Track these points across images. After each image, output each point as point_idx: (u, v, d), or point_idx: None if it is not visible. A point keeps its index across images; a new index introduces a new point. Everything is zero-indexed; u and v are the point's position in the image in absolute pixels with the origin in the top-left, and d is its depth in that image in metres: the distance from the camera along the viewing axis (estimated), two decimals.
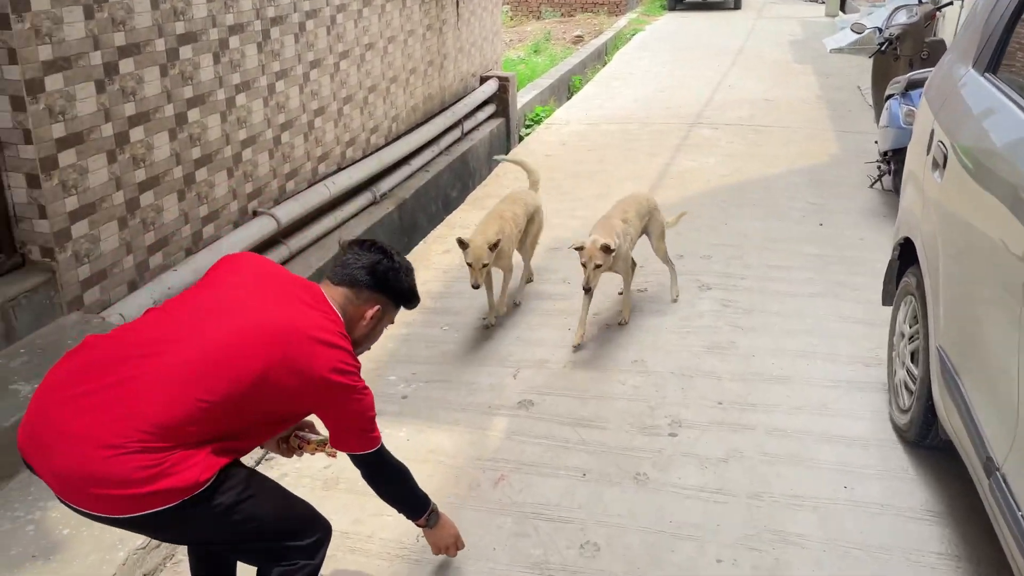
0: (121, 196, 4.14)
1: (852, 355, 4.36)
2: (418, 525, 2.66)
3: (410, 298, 2.55)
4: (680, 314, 4.88)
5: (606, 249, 4.20)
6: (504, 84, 9.77)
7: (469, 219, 6.61)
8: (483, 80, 9.65)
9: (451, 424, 3.81)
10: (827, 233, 6.17)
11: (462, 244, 4.43)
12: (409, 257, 5.77)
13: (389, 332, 4.60)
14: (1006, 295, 2.40)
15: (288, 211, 5.48)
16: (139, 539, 2.86)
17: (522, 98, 11.28)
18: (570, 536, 3.09)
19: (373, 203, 6.74)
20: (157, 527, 2.07)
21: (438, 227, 6.55)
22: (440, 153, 8.18)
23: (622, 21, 20.49)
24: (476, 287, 4.35)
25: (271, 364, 2.07)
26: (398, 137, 7.40)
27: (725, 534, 3.09)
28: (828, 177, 7.55)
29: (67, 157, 3.79)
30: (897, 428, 3.63)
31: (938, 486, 3.32)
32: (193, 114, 4.62)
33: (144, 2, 4.18)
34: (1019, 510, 2.26)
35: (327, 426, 2.34)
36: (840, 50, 14.63)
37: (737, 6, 22.61)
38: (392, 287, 2.45)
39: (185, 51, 4.51)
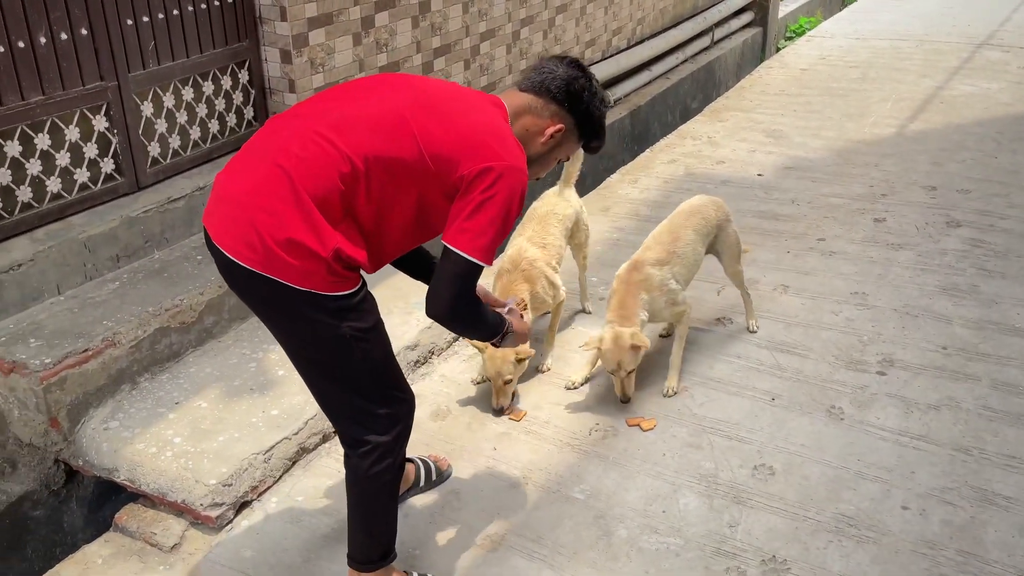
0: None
1: None
2: (493, 345, 2.38)
3: (597, 131, 2.25)
4: (919, 249, 4.44)
5: (635, 348, 3.09)
6: None
7: (703, 130, 6.37)
8: None
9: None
10: None
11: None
12: (632, 164, 5.78)
13: (599, 234, 4.63)
14: None
15: None
16: None
17: (786, 7, 10.53)
18: (745, 456, 2.99)
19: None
20: (281, 302, 2.02)
21: (669, 136, 6.36)
22: (685, 60, 7.87)
23: None
24: (499, 412, 3.22)
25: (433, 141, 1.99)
26: (641, 40, 7.20)
27: (918, 482, 2.85)
28: None
29: (316, 36, 4.06)
30: None
31: None
32: (436, 3, 4.76)
33: None
34: None
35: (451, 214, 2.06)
36: None
37: None
38: (583, 109, 2.18)
39: None
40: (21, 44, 3.08)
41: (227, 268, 2.04)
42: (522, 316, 2.57)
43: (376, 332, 2.16)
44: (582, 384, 3.40)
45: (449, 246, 2.02)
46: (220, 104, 3.93)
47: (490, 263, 2.05)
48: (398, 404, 2.25)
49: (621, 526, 2.70)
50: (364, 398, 2.17)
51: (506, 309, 2.50)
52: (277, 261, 1.95)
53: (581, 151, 2.47)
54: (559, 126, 2.18)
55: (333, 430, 3.10)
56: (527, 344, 3.12)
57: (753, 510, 2.75)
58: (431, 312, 2.09)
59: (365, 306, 2.11)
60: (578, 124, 2.21)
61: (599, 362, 3.41)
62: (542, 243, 3.48)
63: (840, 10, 11.09)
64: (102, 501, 3.10)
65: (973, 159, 5.65)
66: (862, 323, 3.79)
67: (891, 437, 3.07)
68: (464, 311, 2.12)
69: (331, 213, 1.96)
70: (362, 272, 2.12)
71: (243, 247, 1.96)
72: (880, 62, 8.07)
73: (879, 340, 3.65)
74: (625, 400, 3.19)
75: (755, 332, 3.71)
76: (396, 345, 2.84)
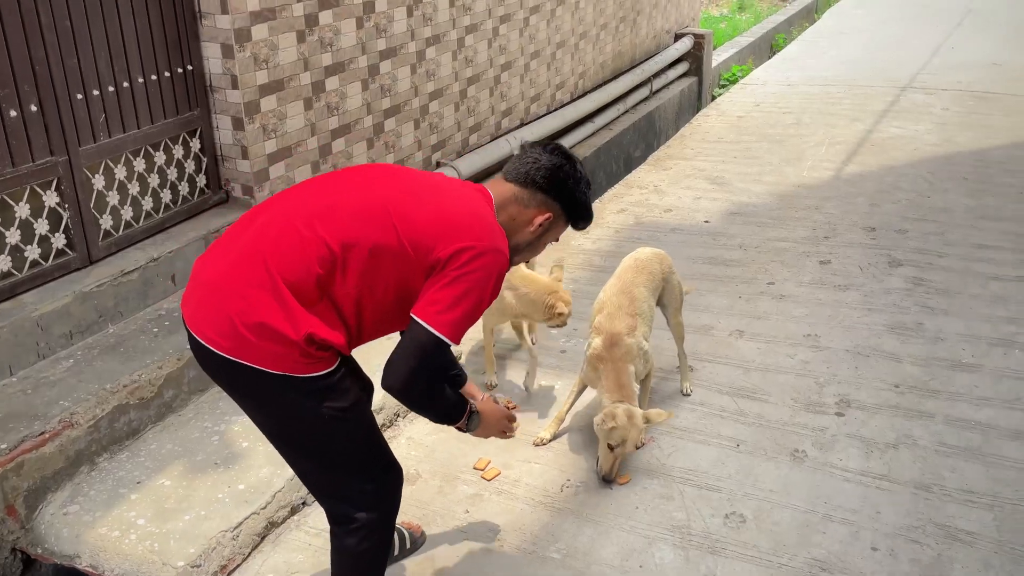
0: (315, 141, 4.41)
1: None
2: (459, 429, 2.35)
3: (584, 213, 2.29)
4: (864, 289, 4.59)
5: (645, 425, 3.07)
6: (699, 42, 9.45)
7: (648, 179, 6.52)
8: (677, 37, 9.39)
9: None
10: None
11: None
12: None
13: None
14: None
15: (470, 163, 5.61)
16: None
17: (719, 56, 10.88)
18: (715, 505, 3.03)
19: None
20: (255, 386, 2.01)
21: (615, 186, 6.49)
22: (626, 111, 8.07)
23: None
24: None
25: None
26: (584, 94, 7.37)
27: (884, 522, 2.91)
28: None
29: (268, 103, 4.07)
30: None
31: None
32: (385, 66, 4.82)
33: None
34: None
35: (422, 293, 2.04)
36: None
37: None
38: (569, 196, 2.22)
39: (380, 3, 4.69)
40: None
41: (201, 354, 2.02)
42: (509, 410, 2.56)
43: (357, 409, 2.13)
44: (550, 440, 3.40)
45: (415, 317, 2.00)
46: (172, 173, 3.90)
47: (456, 341, 2.02)
48: (384, 479, 2.23)
49: None
50: (349, 476, 2.16)
51: (481, 397, 2.48)
52: (248, 346, 1.94)
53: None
54: (547, 215, 2.21)
55: (301, 502, 3.05)
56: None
57: (728, 559, 2.78)
58: (385, 384, 2.05)
59: (343, 385, 2.09)
60: (565, 209, 2.25)
61: (567, 419, 3.43)
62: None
63: (769, 58, 11.51)
64: None
65: (908, 199, 5.88)
66: (817, 365, 3.89)
67: (854, 478, 3.14)
68: (420, 387, 2.08)
69: (306, 296, 1.96)
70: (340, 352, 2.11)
71: (215, 333, 1.96)
72: (812, 107, 8.38)
73: (835, 381, 3.75)
74: (609, 480, 3.12)
75: (688, 395, 3.68)
76: None
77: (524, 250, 2.27)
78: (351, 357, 2.18)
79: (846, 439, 3.36)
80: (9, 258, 3.25)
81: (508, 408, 2.60)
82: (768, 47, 12.64)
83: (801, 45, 11.80)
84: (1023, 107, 8.10)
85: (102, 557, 2.71)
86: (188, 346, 3.28)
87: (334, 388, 2.05)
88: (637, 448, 3.17)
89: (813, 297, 4.53)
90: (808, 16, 14.92)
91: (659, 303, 3.62)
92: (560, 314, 3.46)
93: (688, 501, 3.05)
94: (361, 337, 2.12)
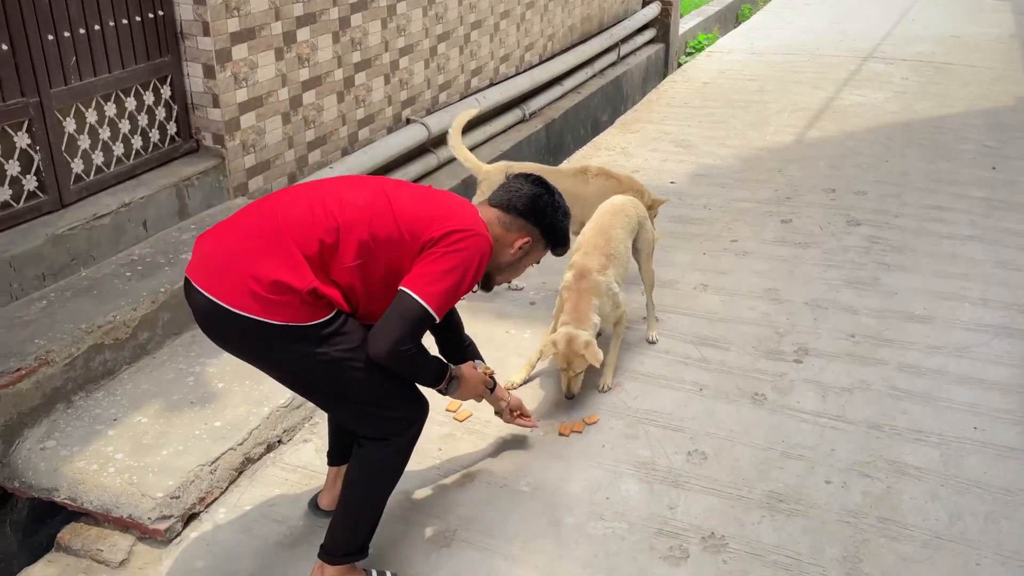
0: (286, 92, 4.42)
1: (1006, 302, 4.12)
2: (439, 392, 2.47)
3: (561, 240, 2.54)
4: (824, 247, 4.74)
5: (586, 352, 3.17)
6: (667, 8, 9.53)
7: (615, 142, 6.60)
8: (645, 3, 9.44)
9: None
10: (999, 178, 5.76)
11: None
12: None
13: None
14: None
15: (439, 121, 5.64)
16: (283, 397, 3.15)
17: (685, 24, 10.97)
18: (679, 443, 3.15)
19: (522, 120, 6.82)
20: (263, 339, 2.15)
21: (584, 147, 6.56)
22: (594, 76, 8.13)
23: None
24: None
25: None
26: (553, 56, 7.41)
27: (838, 459, 3.06)
28: (1010, 121, 6.99)
29: (239, 51, 4.06)
30: None
31: None
32: (356, 19, 4.82)
33: None
34: None
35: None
36: None
37: None
38: (547, 223, 2.46)
39: None
40: None
41: (208, 313, 2.15)
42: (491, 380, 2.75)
43: (364, 348, 2.24)
44: (521, 385, 3.50)
45: (403, 288, 2.17)
46: (143, 120, 3.89)
47: (439, 313, 2.18)
48: (410, 406, 2.38)
49: (568, 515, 2.81)
50: (376, 407, 2.30)
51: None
52: (255, 299, 2.09)
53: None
54: (526, 239, 2.44)
55: (277, 440, 3.11)
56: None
57: (690, 492, 2.90)
58: (371, 351, 2.19)
59: (347, 328, 2.22)
60: (543, 235, 2.48)
61: (538, 364, 3.53)
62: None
63: (736, 27, 11.61)
64: (38, 525, 3.03)
65: (867, 163, 6.04)
66: (777, 316, 4.02)
67: (811, 419, 3.28)
68: (404, 355, 2.21)
69: (314, 262, 2.13)
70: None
71: (221, 286, 2.11)
72: (776, 75, 8.52)
73: (794, 331, 3.89)
74: (570, 396, 3.28)
75: (654, 343, 3.79)
76: None
77: (505, 270, 2.50)
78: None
79: (804, 384, 3.50)
80: None
81: (486, 375, 2.75)
82: (734, 17, 12.75)
83: (766, 15, 11.94)
84: (979, 78, 8.31)
85: (80, 490, 2.75)
86: (162, 288, 3.33)
87: (339, 332, 2.19)
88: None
89: (775, 254, 4.67)
90: None
91: (633, 248, 3.72)
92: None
93: (653, 440, 3.17)
94: (356, 310, 2.27)
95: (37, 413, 2.94)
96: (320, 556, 2.42)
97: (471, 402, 3.34)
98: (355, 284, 2.21)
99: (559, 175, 4.06)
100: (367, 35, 4.96)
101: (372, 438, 2.35)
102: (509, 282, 2.58)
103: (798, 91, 7.92)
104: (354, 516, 2.40)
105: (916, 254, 4.63)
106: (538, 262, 2.59)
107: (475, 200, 4.04)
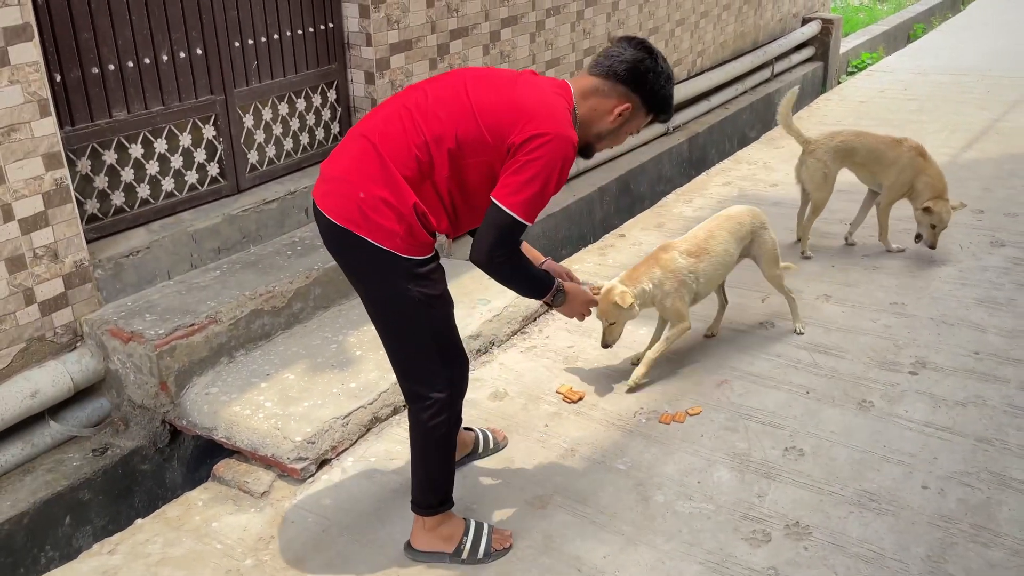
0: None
1: None
2: (545, 303, 2.59)
3: (664, 106, 2.47)
4: (960, 266, 4.63)
5: (618, 305, 3.32)
6: (827, 27, 9.39)
7: (757, 156, 6.64)
8: (805, 21, 9.35)
9: (689, 332, 4.04)
10: None
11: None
12: (688, 186, 6.10)
13: (651, 245, 4.93)
14: None
15: None
16: None
17: (850, 43, 10.74)
18: (777, 439, 3.25)
19: (665, 134, 6.98)
20: (365, 261, 2.35)
21: (724, 161, 6.64)
22: (744, 92, 8.15)
23: None
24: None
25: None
26: (701, 72, 7.52)
27: (939, 466, 3.06)
28: None
29: (397, 60, 4.50)
30: None
31: None
32: (505, 33, 5.18)
33: None
34: None
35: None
36: None
37: None
38: (648, 88, 2.40)
39: None
40: (147, 60, 3.57)
41: (326, 230, 2.43)
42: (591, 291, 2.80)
43: (442, 300, 2.49)
44: (643, 384, 3.60)
45: (492, 199, 2.29)
46: (310, 119, 4.39)
47: (528, 219, 2.28)
48: (455, 365, 2.57)
49: (659, 493, 2.98)
50: (426, 358, 2.50)
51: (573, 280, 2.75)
52: (364, 220, 2.31)
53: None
54: (626, 105, 2.42)
55: (403, 404, 3.46)
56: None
57: (781, 484, 3.01)
58: (472, 257, 2.37)
59: (435, 275, 2.44)
60: (644, 102, 2.44)
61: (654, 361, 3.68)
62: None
63: (904, 46, 11.23)
64: (199, 462, 3.51)
65: (1023, 186, 5.78)
66: (899, 329, 4.00)
67: (917, 428, 3.29)
68: (501, 261, 2.35)
69: (412, 178, 2.32)
70: (438, 249, 2.48)
71: (337, 209, 2.35)
72: (939, 95, 8.22)
73: (914, 344, 3.87)
74: (606, 345, 3.43)
75: (802, 334, 3.93)
76: (461, 334, 3.19)
77: (605, 138, 2.49)
78: (442, 267, 2.51)
79: (915, 395, 3.50)
80: (172, 180, 3.80)
81: (594, 293, 2.86)
82: (904, 37, 12.31)
83: (939, 35, 11.47)
84: None
85: (234, 430, 3.19)
86: (315, 267, 3.77)
87: (428, 276, 2.41)
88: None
89: (906, 270, 4.61)
90: (953, 6, 14.38)
91: (751, 255, 3.84)
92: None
93: (751, 434, 3.28)
94: (459, 219, 2.44)
95: (204, 364, 3.43)
96: (412, 508, 2.68)
97: (583, 385, 3.59)
98: (453, 191, 2.34)
99: (875, 137, 4.79)
100: (515, 48, 5.30)
101: (413, 399, 2.53)
102: (611, 147, 2.55)
103: (960, 111, 7.62)
104: (423, 474, 2.63)
105: None
106: (638, 131, 2.53)
107: (800, 169, 4.84)
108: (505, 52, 5.22)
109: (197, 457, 3.52)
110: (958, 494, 2.93)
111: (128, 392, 3.39)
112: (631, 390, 3.56)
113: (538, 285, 2.53)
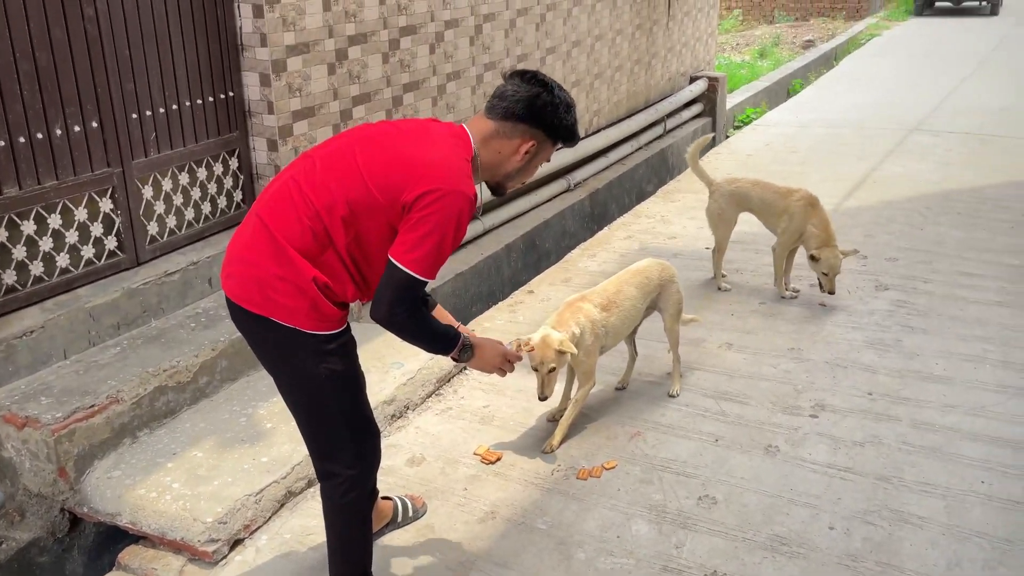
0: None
1: None
2: (454, 359, 2.52)
3: (568, 135, 2.45)
4: (849, 310, 4.89)
5: (561, 353, 3.36)
6: (713, 84, 9.87)
7: (656, 210, 6.88)
8: (692, 80, 9.81)
9: (600, 385, 4.12)
10: None
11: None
12: (592, 240, 6.25)
13: (559, 300, 5.03)
14: None
15: (485, 190, 6.00)
16: None
17: (735, 99, 11.29)
18: (691, 489, 3.33)
19: (567, 190, 7.16)
20: (270, 338, 2.34)
21: (625, 215, 6.85)
22: (639, 148, 8.46)
23: (859, 26, 19.62)
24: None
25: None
26: (598, 130, 7.78)
27: (843, 507, 3.19)
28: None
29: (300, 127, 4.50)
30: None
31: None
32: (408, 98, 5.26)
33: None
34: None
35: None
36: None
37: (994, 12, 20.97)
38: (549, 122, 2.39)
39: (405, 41, 5.14)
40: (40, 136, 3.47)
41: (232, 312, 2.40)
42: (517, 351, 2.77)
43: (351, 377, 2.47)
44: (558, 447, 3.62)
45: (389, 257, 2.26)
46: (212, 188, 4.33)
47: (425, 275, 2.25)
48: (365, 440, 2.55)
49: (580, 551, 3.01)
50: (335, 435, 2.48)
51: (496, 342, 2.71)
52: (265, 300, 2.30)
53: None
54: (531, 142, 2.40)
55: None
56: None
57: (697, 533, 3.08)
58: (372, 315, 2.32)
59: (344, 351, 2.42)
60: (548, 135, 2.43)
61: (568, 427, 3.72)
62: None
63: (785, 101, 11.89)
64: (103, 550, 3.34)
65: (901, 231, 6.18)
66: (798, 374, 4.18)
67: (820, 469, 3.43)
68: (402, 319, 2.30)
69: (308, 251, 2.28)
70: (350, 314, 2.48)
71: (238, 291, 2.35)
72: (820, 147, 8.73)
73: (812, 388, 4.05)
74: (542, 398, 3.38)
75: (675, 397, 3.98)
76: (374, 400, 3.18)
77: (515, 177, 2.48)
78: (352, 339, 2.49)
79: (817, 437, 3.65)
80: (68, 256, 3.67)
81: (520, 349, 2.90)
82: (785, 91, 13.03)
83: (816, 90, 12.20)
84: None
85: (140, 515, 3.06)
86: (221, 338, 3.69)
87: (335, 353, 2.38)
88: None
89: (801, 315, 4.84)
90: (827, 63, 15.34)
91: (657, 307, 3.97)
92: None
93: (666, 485, 3.36)
94: (367, 282, 2.40)
95: (106, 446, 3.29)
96: None
97: (501, 445, 3.59)
98: (354, 255, 2.31)
99: (769, 187, 5.14)
100: (418, 112, 5.38)
101: (324, 476, 2.52)
102: (523, 183, 2.54)
103: (840, 162, 8.11)
104: (339, 550, 2.61)
105: (941, 318, 4.75)
106: (548, 159, 2.52)
107: (706, 209, 5.19)
108: (408, 116, 5.29)
109: (100, 545, 3.35)
110: (862, 533, 3.06)
111: (23, 480, 3.21)
112: (549, 452, 3.59)
113: (442, 340, 2.46)
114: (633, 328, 3.88)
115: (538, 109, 2.37)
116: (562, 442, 3.62)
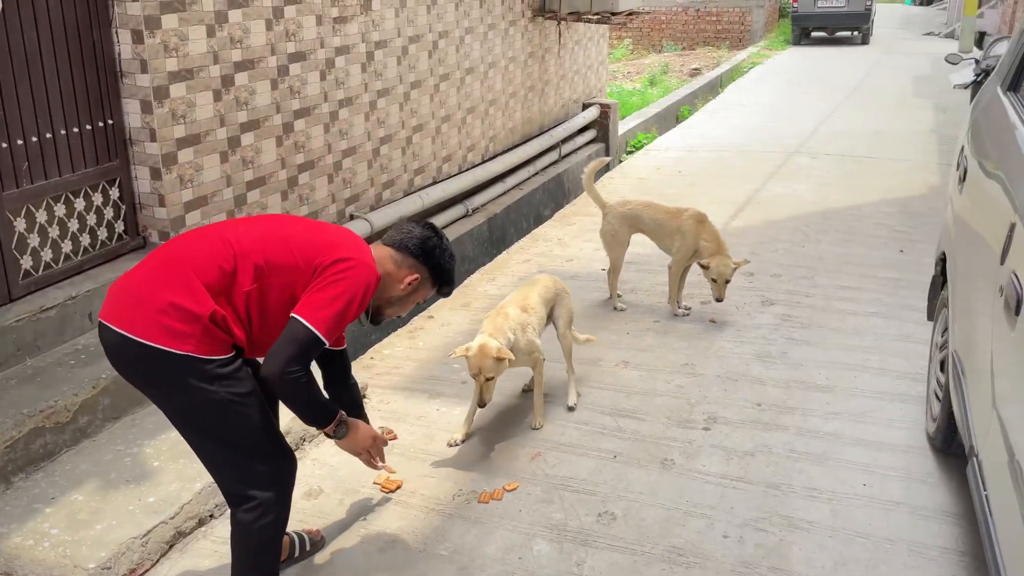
0: (231, 192, 4.73)
1: (904, 371, 4.43)
2: (326, 435, 2.62)
3: (447, 279, 2.80)
4: (738, 325, 5.06)
5: (499, 359, 3.52)
6: (605, 111, 10.11)
7: (553, 234, 6.98)
8: (585, 106, 10.03)
9: (500, 408, 4.13)
10: (906, 260, 6.18)
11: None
12: (491, 265, 6.29)
13: (459, 326, 5.03)
14: (987, 294, 2.56)
15: (382, 216, 5.97)
16: None
17: (627, 125, 11.59)
18: (591, 506, 3.36)
19: (465, 216, 7.19)
20: (162, 370, 2.30)
21: (523, 239, 6.93)
22: (536, 173, 8.58)
23: (742, 55, 20.50)
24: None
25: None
26: (494, 156, 7.86)
27: (736, 515, 3.28)
28: (920, 208, 7.49)
29: (185, 155, 4.38)
30: (928, 437, 3.72)
31: (960, 491, 3.40)
32: (299, 124, 5.19)
33: (259, 24, 4.78)
34: (984, 490, 2.40)
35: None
36: (965, 85, 14.25)
37: (865, 41, 22.25)
38: (435, 262, 2.72)
39: (295, 68, 5.09)
40: None
41: (112, 346, 2.31)
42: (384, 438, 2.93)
43: (253, 397, 2.44)
44: (463, 441, 3.75)
45: (294, 315, 2.37)
46: (91, 219, 4.16)
47: (328, 337, 2.37)
48: (278, 462, 2.53)
49: (482, 574, 2.99)
50: (246, 457, 2.45)
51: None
52: (155, 326, 2.26)
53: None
54: (415, 276, 2.69)
55: (209, 514, 3.27)
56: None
57: (598, 550, 3.11)
58: (264, 371, 2.38)
59: (240, 374, 2.41)
60: (431, 274, 2.73)
61: (475, 418, 3.83)
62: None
63: (674, 126, 12.30)
64: None
65: (784, 249, 6.45)
66: (691, 388, 4.30)
67: (714, 480, 3.52)
68: (294, 377, 2.36)
69: (213, 287, 2.32)
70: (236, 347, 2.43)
71: (129, 321, 2.28)
72: (707, 170, 9.05)
73: (704, 401, 4.16)
74: (482, 404, 3.61)
75: (573, 409, 4.09)
76: None
77: (394, 304, 2.73)
78: (249, 359, 2.50)
79: (710, 449, 3.75)
80: None
81: (386, 436, 2.99)
82: (674, 117, 13.48)
83: (703, 115, 12.67)
84: (897, 168, 8.90)
85: (16, 564, 2.88)
86: (103, 375, 3.53)
87: (231, 376, 2.37)
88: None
89: (693, 332, 4.98)
90: (712, 90, 15.94)
91: (552, 317, 4.11)
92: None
93: (567, 504, 3.38)
94: (253, 335, 2.44)
95: None
96: None
97: (400, 474, 3.56)
98: (252, 308, 2.39)
99: (660, 208, 5.34)
100: (310, 139, 5.32)
101: (237, 502, 2.49)
102: (399, 316, 2.79)
103: (726, 184, 8.42)
104: None
105: (823, 329, 4.97)
106: (424, 300, 2.82)
107: (600, 231, 5.38)
108: (300, 143, 5.22)
109: None
110: (755, 539, 3.15)
111: None
112: (538, 428, 3.89)
113: (322, 412, 2.56)
114: (539, 333, 4.01)
115: (429, 248, 2.69)
116: (543, 417, 3.96)
